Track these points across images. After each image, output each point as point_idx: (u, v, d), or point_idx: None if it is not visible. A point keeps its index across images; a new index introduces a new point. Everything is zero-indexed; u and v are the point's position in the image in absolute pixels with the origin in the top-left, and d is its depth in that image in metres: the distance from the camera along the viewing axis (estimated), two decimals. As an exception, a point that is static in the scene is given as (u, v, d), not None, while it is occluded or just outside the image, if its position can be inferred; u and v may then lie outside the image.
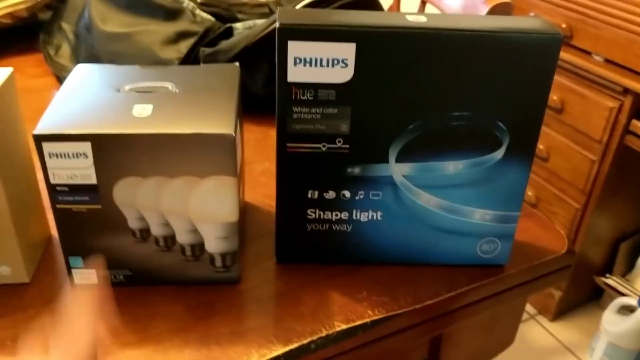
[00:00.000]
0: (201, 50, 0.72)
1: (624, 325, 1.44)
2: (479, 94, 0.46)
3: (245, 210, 0.59)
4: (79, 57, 0.83)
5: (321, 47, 0.43)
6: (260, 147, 0.70)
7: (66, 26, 0.89)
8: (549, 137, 1.55)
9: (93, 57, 0.77)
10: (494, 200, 0.50)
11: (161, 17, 0.75)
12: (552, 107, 1.51)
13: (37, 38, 0.93)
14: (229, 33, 0.75)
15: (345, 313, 0.48)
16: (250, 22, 0.78)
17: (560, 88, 1.48)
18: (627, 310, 1.47)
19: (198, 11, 0.79)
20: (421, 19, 0.45)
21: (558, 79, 1.48)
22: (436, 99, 0.46)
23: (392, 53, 0.44)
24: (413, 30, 0.43)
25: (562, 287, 1.63)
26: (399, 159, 0.48)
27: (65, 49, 0.87)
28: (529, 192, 1.63)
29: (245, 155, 0.68)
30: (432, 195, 0.50)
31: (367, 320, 0.48)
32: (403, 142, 0.47)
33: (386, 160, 0.48)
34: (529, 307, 1.72)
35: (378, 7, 0.80)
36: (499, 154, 0.48)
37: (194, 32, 0.73)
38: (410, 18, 0.45)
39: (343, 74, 0.44)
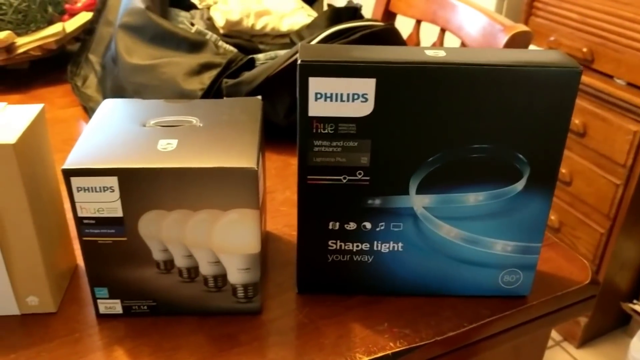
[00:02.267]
0: (224, 81, 0.74)
1: (653, 354, 1.41)
2: (499, 126, 0.46)
3: (267, 240, 0.59)
4: (105, 88, 0.85)
5: (341, 83, 0.44)
6: (281, 177, 0.70)
7: (93, 58, 0.91)
8: (571, 162, 1.53)
9: (119, 88, 0.79)
10: (515, 231, 0.50)
11: (185, 49, 0.77)
12: (574, 131, 1.50)
13: (66, 69, 0.96)
14: (251, 64, 0.77)
15: (367, 345, 0.48)
16: (272, 53, 0.80)
17: (583, 112, 1.47)
18: (656, 337, 1.44)
19: (221, 43, 0.81)
20: (440, 54, 0.45)
21: (580, 102, 1.47)
22: (456, 132, 0.46)
23: (411, 88, 0.44)
24: (432, 65, 0.44)
25: (588, 313, 1.60)
26: (419, 191, 0.48)
27: (92, 80, 0.90)
28: (552, 217, 1.61)
29: (267, 185, 0.69)
30: (452, 227, 0.50)
31: (389, 352, 0.48)
32: (423, 174, 0.48)
33: (406, 192, 0.48)
34: (554, 334, 1.69)
35: (398, 37, 0.81)
36: (520, 185, 0.48)
37: (217, 64, 0.75)
38: (429, 53, 0.46)
39: (363, 108, 0.45)
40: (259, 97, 0.54)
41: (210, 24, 0.90)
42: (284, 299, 0.53)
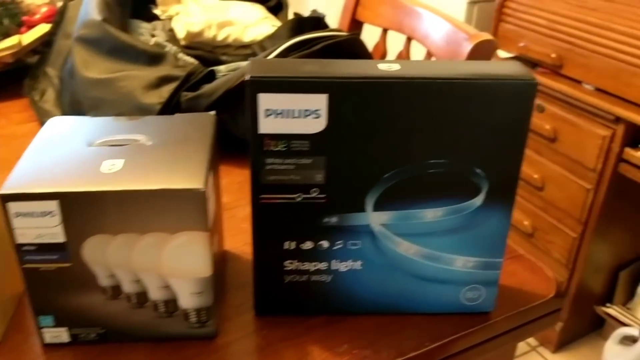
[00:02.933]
0: (182, 94, 0.72)
1: (626, 357, 1.41)
2: (455, 141, 0.45)
3: (225, 259, 0.58)
4: (63, 102, 0.82)
5: (292, 99, 0.43)
6: (243, 192, 0.69)
7: (51, 71, 0.89)
8: (543, 167, 1.54)
9: (76, 103, 0.77)
10: (476, 247, 0.49)
11: (144, 62, 0.75)
12: (545, 136, 1.51)
13: (23, 83, 0.93)
14: (211, 76, 0.75)
15: (325, 368, 0.47)
16: (233, 65, 0.78)
17: (553, 117, 1.48)
18: (630, 340, 1.44)
19: (181, 55, 0.79)
20: (394, 67, 0.44)
21: (550, 108, 1.48)
22: (412, 147, 0.45)
23: (364, 103, 0.43)
24: (385, 80, 0.42)
25: (563, 317, 1.60)
26: (376, 208, 0.47)
27: (51, 94, 0.87)
28: (525, 222, 1.61)
29: (227, 200, 0.67)
30: (411, 243, 0.49)
31: (348, 375, 0.46)
32: (380, 191, 0.46)
33: (363, 209, 0.47)
34: (530, 339, 1.69)
35: (362, 47, 0.80)
36: (478, 200, 0.47)
37: (176, 77, 0.73)
38: (382, 67, 0.44)
39: (316, 125, 0.44)
40: (213, 112, 0.52)
41: (172, 35, 0.88)
42: (242, 322, 0.51)
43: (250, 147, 0.44)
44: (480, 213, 0.48)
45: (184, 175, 0.43)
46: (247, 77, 0.42)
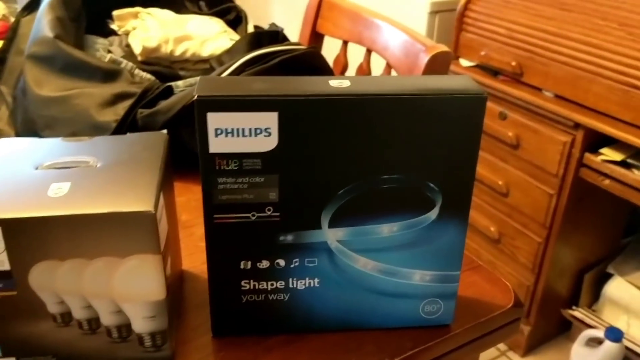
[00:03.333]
0: (139, 111, 0.71)
1: (592, 358, 1.44)
2: (408, 156, 0.45)
3: (182, 279, 0.57)
4: (16, 121, 0.80)
5: (242, 117, 0.42)
6: (201, 209, 0.67)
7: (4, 89, 0.86)
8: (507, 173, 1.56)
9: (29, 122, 0.75)
10: (433, 260, 0.49)
11: (98, 79, 0.74)
12: (508, 143, 1.53)
13: (-24, 101, 0.90)
14: (169, 92, 0.74)
15: (284, 389, 0.46)
16: (191, 80, 0.78)
17: (515, 124, 1.50)
18: (596, 342, 1.47)
19: (137, 71, 0.78)
20: (344, 84, 0.44)
21: (513, 115, 1.51)
22: (364, 164, 0.45)
23: (315, 120, 0.43)
24: (334, 97, 0.42)
25: (531, 321, 1.62)
26: (332, 225, 0.47)
27: (4, 113, 0.85)
28: (492, 228, 1.63)
29: (185, 219, 0.66)
30: (369, 259, 0.48)
31: (307, 395, 0.46)
32: (335, 208, 0.46)
33: (319, 227, 0.47)
34: (499, 344, 1.71)
35: (320, 60, 0.80)
36: (433, 214, 0.47)
37: (131, 93, 0.72)
38: (333, 83, 0.44)
39: (267, 143, 0.43)
40: (164, 131, 0.51)
41: (129, 51, 0.87)
42: (199, 344, 0.50)
43: (201, 167, 0.43)
44: (436, 227, 0.48)
45: (133, 197, 0.42)
46: (195, 97, 0.41)
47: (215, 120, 0.42)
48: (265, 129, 0.43)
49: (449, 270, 0.50)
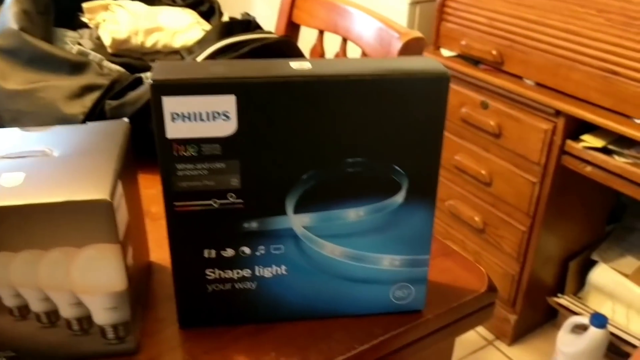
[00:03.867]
0: (107, 103, 0.69)
1: (578, 345, 1.44)
2: (372, 139, 0.44)
3: (149, 271, 0.55)
4: (-17, 116, 0.79)
5: (199, 101, 0.41)
6: (173, 201, 0.66)
7: (-28, 84, 0.85)
8: (490, 162, 1.56)
9: (-5, 117, 0.73)
10: (401, 245, 0.48)
11: (65, 72, 0.72)
12: (490, 132, 1.53)
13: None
14: (138, 84, 0.73)
15: (251, 379, 0.45)
16: (162, 71, 0.76)
17: (497, 113, 1.50)
18: (581, 329, 1.47)
19: (106, 63, 0.76)
20: (305, 66, 0.43)
21: (494, 104, 1.50)
22: (327, 147, 0.44)
23: (274, 103, 0.42)
24: (294, 78, 0.41)
25: (517, 310, 1.62)
26: (297, 210, 0.46)
27: (-28, 109, 0.83)
28: (476, 218, 1.63)
29: (155, 210, 0.65)
30: (336, 245, 0.48)
31: (274, 384, 0.45)
32: (299, 193, 0.45)
33: (284, 213, 0.46)
34: (486, 333, 1.71)
35: (293, 49, 0.79)
36: (400, 198, 0.46)
37: (99, 85, 0.70)
38: (294, 65, 0.43)
39: (226, 127, 0.42)
40: (125, 119, 0.50)
41: (100, 43, 0.85)
42: (165, 336, 0.49)
43: (158, 153, 0.42)
44: (403, 210, 0.47)
45: (89, 186, 0.41)
46: (149, 81, 0.40)
47: (171, 104, 0.41)
48: (224, 113, 0.42)
49: (418, 255, 0.49)
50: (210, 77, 0.41)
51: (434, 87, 0.43)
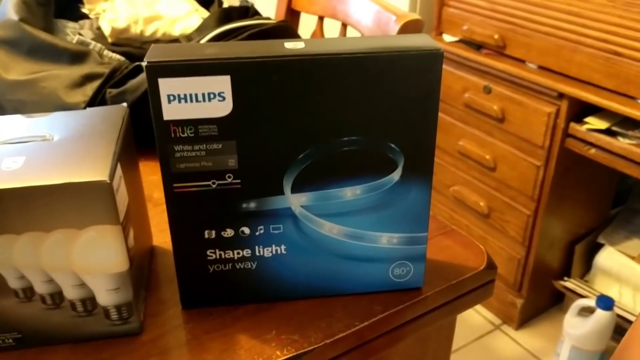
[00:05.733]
0: (108, 91, 0.70)
1: (585, 328, 1.44)
2: (366, 117, 0.44)
3: (152, 255, 0.56)
4: (-13, 108, 0.80)
5: (194, 82, 0.42)
6: (174, 186, 0.67)
7: (-25, 77, 0.86)
8: (494, 147, 1.56)
9: (-2, 107, 0.74)
10: (399, 222, 0.49)
11: (66, 61, 0.73)
12: (493, 117, 1.53)
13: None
14: (138, 71, 0.73)
15: (252, 356, 0.46)
16: (161, 59, 0.77)
17: (500, 97, 1.50)
18: (587, 311, 1.47)
19: (106, 52, 0.77)
20: (299, 45, 0.44)
21: (497, 88, 1.50)
22: (323, 126, 0.44)
23: (269, 83, 0.42)
24: (287, 58, 0.42)
25: (524, 294, 1.63)
26: (294, 190, 0.46)
27: (-25, 101, 0.84)
28: (481, 203, 1.63)
29: (157, 196, 0.65)
30: (334, 224, 0.48)
31: (275, 361, 0.45)
32: (296, 172, 0.46)
33: (282, 192, 0.46)
34: (493, 318, 1.72)
35: (291, 34, 0.79)
36: (396, 175, 0.47)
37: (99, 74, 0.71)
38: (288, 45, 0.44)
39: (222, 108, 0.43)
40: (124, 104, 0.51)
41: (100, 33, 0.86)
42: (168, 316, 0.50)
43: (156, 135, 0.43)
44: (400, 188, 0.47)
45: (89, 168, 0.42)
46: (144, 63, 0.41)
47: (167, 86, 0.41)
48: (219, 94, 0.42)
49: (415, 232, 0.49)
50: (205, 58, 0.41)
51: (428, 63, 0.43)
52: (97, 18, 0.88)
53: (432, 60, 0.43)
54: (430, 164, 0.47)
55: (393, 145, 0.46)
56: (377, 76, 0.43)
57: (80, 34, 0.84)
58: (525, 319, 1.68)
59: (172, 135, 0.43)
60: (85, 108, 0.69)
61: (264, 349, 0.46)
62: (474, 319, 1.71)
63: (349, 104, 0.44)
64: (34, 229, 0.41)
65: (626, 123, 1.30)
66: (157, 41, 0.84)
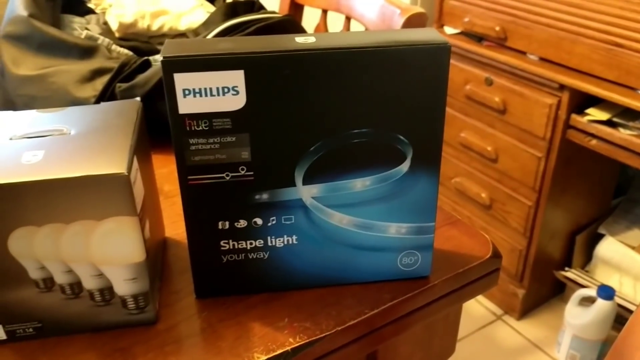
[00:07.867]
0: (117, 86, 0.71)
1: (586, 317, 1.46)
2: (376, 109, 0.45)
3: (165, 246, 0.57)
4: (-3, 103, 0.81)
5: (209, 77, 0.43)
6: (184, 179, 0.68)
7: (-16, 72, 0.86)
8: (495, 138, 1.57)
9: (8, 103, 0.75)
10: (407, 213, 0.50)
11: (75, 56, 0.74)
12: (495, 108, 1.54)
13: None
14: (146, 66, 0.74)
15: (266, 343, 0.47)
16: (169, 53, 0.77)
17: (501, 89, 1.51)
18: (589, 301, 1.49)
19: (114, 47, 0.78)
20: (310, 40, 0.45)
21: (498, 80, 1.51)
22: (333, 119, 0.45)
23: (281, 77, 0.43)
24: (299, 52, 0.43)
25: (525, 285, 1.64)
26: (305, 181, 0.47)
27: (-15, 96, 0.85)
28: (483, 195, 1.64)
29: (168, 189, 0.67)
30: (344, 214, 0.49)
31: (288, 348, 0.47)
32: (307, 164, 0.47)
33: (293, 184, 0.47)
34: (495, 308, 1.73)
35: (297, 28, 0.80)
36: (405, 167, 0.48)
37: (109, 69, 0.72)
38: (299, 40, 0.45)
39: (236, 102, 0.44)
40: (138, 99, 0.52)
41: (107, 28, 0.87)
42: (182, 306, 0.51)
43: (172, 129, 0.44)
44: (408, 179, 0.48)
45: (106, 161, 0.43)
46: (161, 58, 0.42)
47: (182, 80, 0.42)
48: (233, 88, 0.43)
49: (423, 222, 0.51)
50: (219, 53, 0.42)
51: (435, 56, 0.44)
52: (104, 13, 0.89)
53: (439, 54, 0.44)
54: (438, 155, 0.48)
55: (402, 138, 0.47)
56: (387, 69, 0.44)
57: (87, 29, 0.85)
58: (526, 309, 1.69)
59: (188, 128, 0.44)
60: (95, 103, 0.70)
61: (276, 336, 0.48)
62: (476, 309, 1.73)
63: (359, 97, 0.45)
64: (54, 221, 0.43)
65: (627, 114, 1.31)
66: (163, 36, 0.85)
